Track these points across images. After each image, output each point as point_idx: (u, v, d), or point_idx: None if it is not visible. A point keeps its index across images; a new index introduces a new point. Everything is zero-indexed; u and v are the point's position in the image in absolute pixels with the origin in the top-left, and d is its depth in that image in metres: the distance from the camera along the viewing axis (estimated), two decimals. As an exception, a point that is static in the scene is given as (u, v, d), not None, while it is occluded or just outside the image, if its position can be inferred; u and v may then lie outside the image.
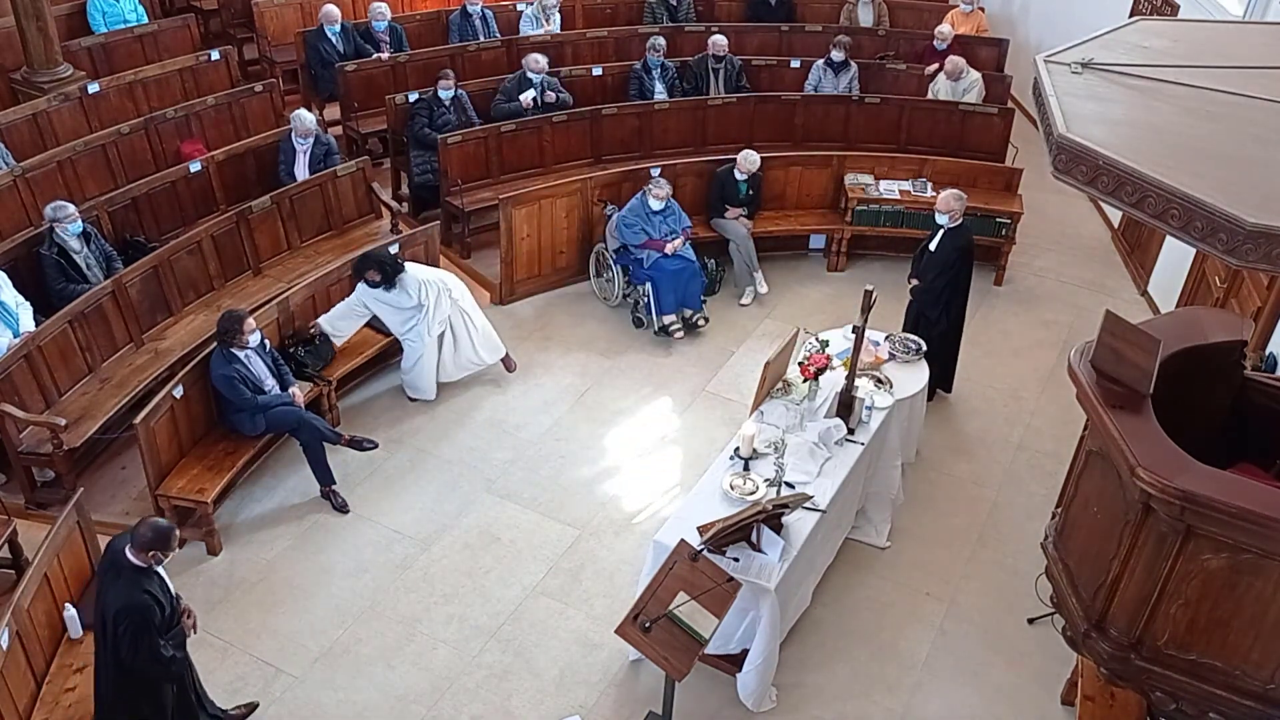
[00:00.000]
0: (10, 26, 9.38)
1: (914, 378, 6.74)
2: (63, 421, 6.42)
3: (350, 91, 9.86)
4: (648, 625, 4.89)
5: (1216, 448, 4.57)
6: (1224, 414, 4.89)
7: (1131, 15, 9.45)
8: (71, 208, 7.14)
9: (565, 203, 8.61)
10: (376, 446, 7.20)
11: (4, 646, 4.78)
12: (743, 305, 8.82)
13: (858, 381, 6.27)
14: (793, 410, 6.25)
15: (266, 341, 6.73)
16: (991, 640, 6.11)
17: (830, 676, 5.88)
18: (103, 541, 5.59)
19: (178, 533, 4.72)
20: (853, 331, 6.28)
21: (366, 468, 7.08)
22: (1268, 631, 4.13)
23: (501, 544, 6.58)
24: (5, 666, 4.78)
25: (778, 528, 5.52)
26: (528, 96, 9.36)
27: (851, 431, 6.19)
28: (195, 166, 8.38)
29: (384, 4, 10.43)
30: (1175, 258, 8.41)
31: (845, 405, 6.22)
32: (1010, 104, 10.63)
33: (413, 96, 9.30)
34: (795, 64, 10.48)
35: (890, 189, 9.09)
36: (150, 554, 4.59)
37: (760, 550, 5.43)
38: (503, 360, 7.87)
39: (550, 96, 9.48)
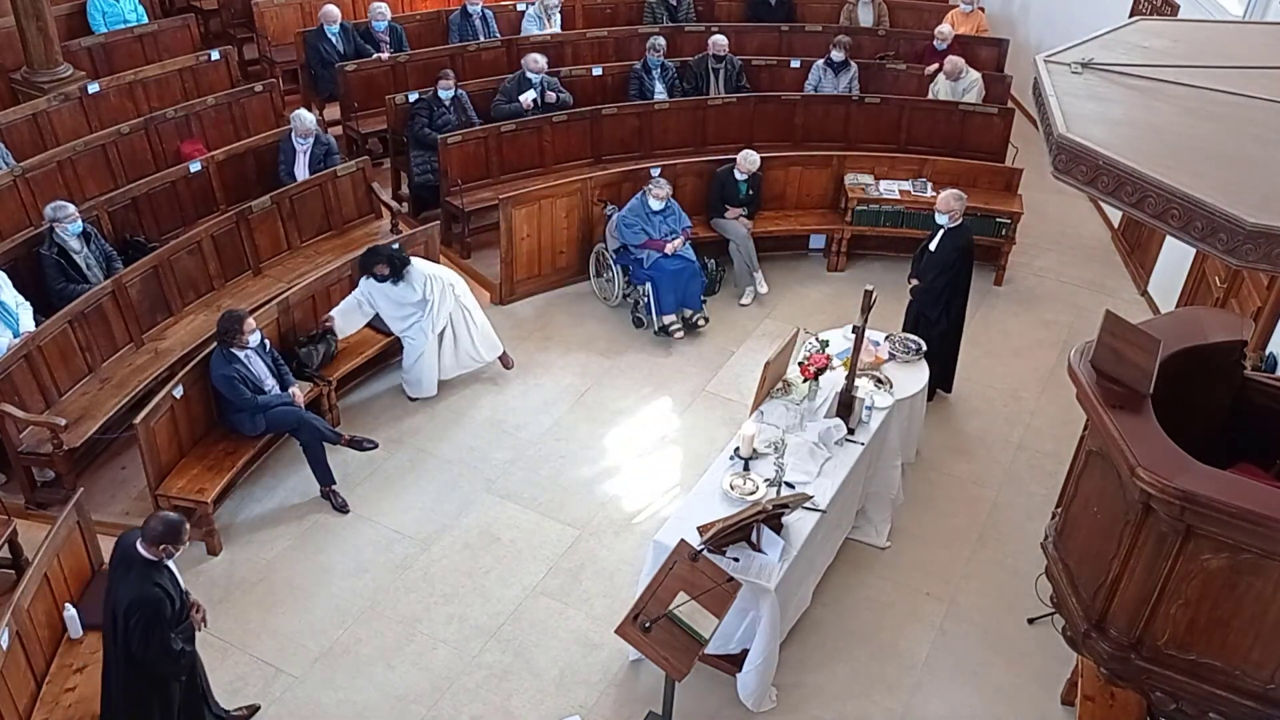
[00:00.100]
0: (10, 26, 9.37)
1: (914, 378, 6.74)
2: (63, 421, 6.42)
3: (350, 91, 9.86)
4: (648, 625, 4.89)
5: (1216, 448, 4.57)
6: (1224, 414, 4.89)
7: (1131, 15, 9.45)
8: (71, 208, 7.14)
9: (565, 203, 8.61)
10: (376, 446, 7.20)
11: (4, 646, 4.77)
12: (743, 305, 8.81)
13: (858, 381, 6.27)
14: (793, 410, 6.25)
15: (267, 341, 6.73)
16: (991, 640, 6.11)
17: (830, 676, 5.87)
18: (103, 541, 5.61)
19: (188, 527, 4.73)
20: (853, 331, 6.28)
21: (366, 468, 7.09)
22: (1268, 631, 4.13)
23: (501, 544, 6.58)
24: (5, 666, 4.77)
25: (778, 528, 5.52)
26: (528, 97, 9.36)
27: (851, 431, 6.19)
28: (195, 166, 8.38)
29: (384, 4, 10.43)
30: (1175, 258, 8.41)
31: (845, 405, 6.22)
32: (1010, 104, 10.63)
33: (413, 96, 9.29)
34: (795, 64, 10.48)
35: (890, 189, 9.09)
36: (161, 547, 4.60)
37: (760, 550, 5.43)
38: (500, 358, 7.88)
39: (550, 96, 9.47)
